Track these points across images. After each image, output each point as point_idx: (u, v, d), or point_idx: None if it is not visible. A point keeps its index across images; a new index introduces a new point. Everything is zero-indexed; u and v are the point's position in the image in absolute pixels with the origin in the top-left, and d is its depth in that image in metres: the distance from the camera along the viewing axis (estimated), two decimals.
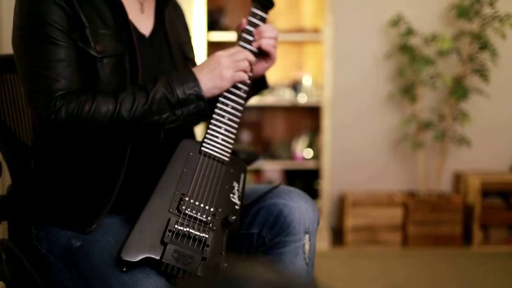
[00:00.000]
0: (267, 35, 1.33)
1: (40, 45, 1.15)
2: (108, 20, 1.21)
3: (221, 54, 1.25)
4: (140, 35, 1.28)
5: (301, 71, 3.47)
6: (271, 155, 3.43)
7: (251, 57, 1.29)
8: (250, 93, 1.39)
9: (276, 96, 3.36)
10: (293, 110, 3.54)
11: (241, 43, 1.33)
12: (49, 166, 1.25)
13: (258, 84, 1.42)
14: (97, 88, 1.17)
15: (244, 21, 1.35)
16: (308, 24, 3.47)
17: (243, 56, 1.27)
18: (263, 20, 1.35)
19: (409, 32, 3.23)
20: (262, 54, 1.35)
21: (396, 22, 3.26)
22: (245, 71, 1.27)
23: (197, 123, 1.38)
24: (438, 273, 2.87)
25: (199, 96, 1.19)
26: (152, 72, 1.25)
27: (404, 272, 2.89)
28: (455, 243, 3.27)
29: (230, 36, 3.26)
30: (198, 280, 0.67)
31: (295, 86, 3.38)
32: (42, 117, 1.13)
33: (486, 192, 3.27)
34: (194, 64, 1.48)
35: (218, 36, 3.27)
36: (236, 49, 1.29)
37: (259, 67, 1.37)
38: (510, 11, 3.17)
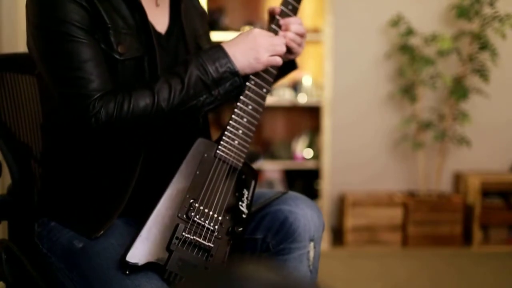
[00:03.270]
0: (293, 29, 1.27)
1: (66, 45, 1.10)
2: (128, 19, 1.17)
3: (259, 32, 1.20)
4: (157, 34, 1.24)
5: (301, 71, 3.47)
6: (271, 155, 3.42)
7: (285, 47, 1.24)
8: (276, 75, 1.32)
9: (276, 96, 3.36)
10: (293, 110, 3.53)
11: (273, 26, 1.27)
12: (61, 168, 1.22)
13: (287, 65, 1.35)
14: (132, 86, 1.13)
15: (277, 8, 1.29)
16: (308, 24, 3.47)
17: (280, 41, 1.22)
18: (295, 10, 1.30)
19: (409, 32, 3.23)
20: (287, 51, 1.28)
21: (396, 22, 3.26)
22: (281, 56, 1.22)
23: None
24: (438, 273, 2.87)
25: (234, 72, 1.15)
26: (169, 70, 1.21)
27: (404, 272, 2.89)
28: (455, 243, 3.27)
29: (230, 36, 3.25)
30: (197, 280, 0.67)
31: (295, 86, 3.38)
32: (81, 120, 1.09)
33: (486, 192, 3.27)
34: None
35: (218, 36, 3.27)
36: (274, 34, 1.23)
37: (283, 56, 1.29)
38: (510, 11, 3.17)
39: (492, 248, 3.24)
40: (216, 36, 3.23)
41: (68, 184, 1.21)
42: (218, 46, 1.18)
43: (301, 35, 1.30)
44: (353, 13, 3.41)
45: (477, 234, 3.26)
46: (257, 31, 1.20)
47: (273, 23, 1.28)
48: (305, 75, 3.40)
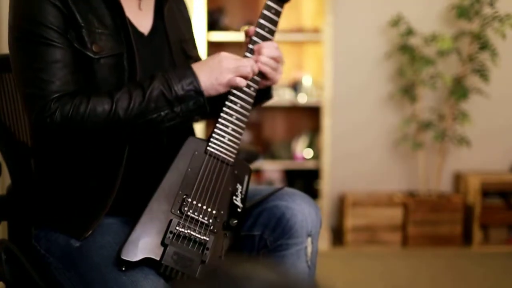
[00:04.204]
0: (266, 53, 1.26)
1: (35, 46, 1.12)
2: (106, 19, 1.18)
3: (225, 55, 1.20)
4: (139, 33, 1.26)
5: (301, 71, 3.47)
6: (271, 155, 3.42)
7: (256, 69, 1.23)
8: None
9: (276, 96, 3.34)
10: (293, 110, 3.53)
11: (246, 53, 1.27)
12: (48, 169, 1.24)
13: (262, 94, 1.35)
14: (94, 88, 1.15)
15: (252, 29, 1.29)
16: (308, 24, 3.47)
17: (248, 63, 1.21)
18: (278, 14, 1.29)
19: (409, 32, 3.23)
20: (261, 75, 1.28)
21: (396, 22, 3.26)
22: (245, 78, 1.21)
23: (198, 119, 1.36)
24: (438, 273, 2.87)
25: (198, 92, 1.15)
26: (151, 70, 1.23)
27: (404, 272, 2.89)
28: (455, 243, 3.27)
29: (230, 36, 3.26)
30: (198, 280, 0.67)
31: (295, 86, 3.38)
32: (37, 121, 1.12)
33: (486, 192, 3.27)
34: (197, 61, 1.45)
35: (218, 36, 3.27)
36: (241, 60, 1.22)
37: (259, 83, 1.29)
38: (510, 11, 3.17)
39: (492, 248, 3.24)
40: (216, 36, 3.25)
41: (56, 184, 1.22)
42: (187, 65, 1.19)
43: (277, 60, 1.28)
44: (353, 13, 3.41)
45: (477, 234, 3.26)
46: (223, 54, 1.20)
47: (247, 47, 1.27)
48: (305, 75, 3.40)
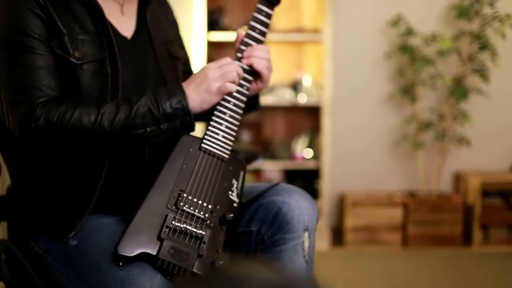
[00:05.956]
0: (257, 54, 1.29)
1: (18, 54, 1.14)
2: (87, 25, 1.19)
3: (209, 66, 1.22)
4: (122, 38, 1.26)
5: (301, 71, 3.47)
6: (271, 155, 3.43)
7: (240, 71, 1.26)
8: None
9: (276, 96, 3.36)
10: (293, 110, 3.54)
11: (238, 54, 1.30)
12: (30, 172, 1.25)
13: (250, 103, 1.36)
14: (78, 93, 1.17)
15: (241, 33, 1.32)
16: (308, 24, 3.47)
17: (232, 68, 1.23)
18: (269, 17, 1.31)
19: (409, 32, 3.23)
20: (254, 75, 1.31)
21: (396, 22, 3.26)
22: (233, 82, 1.23)
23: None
24: (438, 273, 2.87)
25: (186, 111, 1.17)
26: (135, 74, 1.25)
27: (404, 272, 2.89)
28: (455, 243, 3.27)
29: (230, 36, 3.26)
30: (197, 279, 0.67)
31: (295, 86, 3.38)
32: (22, 126, 1.13)
33: (486, 192, 3.27)
34: (185, 62, 1.46)
35: (218, 36, 3.27)
36: (225, 60, 1.25)
37: (250, 88, 1.31)
38: (510, 11, 3.17)
39: (492, 248, 3.24)
40: (216, 36, 3.25)
41: (36, 188, 1.23)
42: (177, 84, 1.20)
43: (267, 60, 1.31)
44: (353, 13, 3.41)
45: (477, 234, 3.26)
46: (208, 65, 1.22)
47: (239, 48, 1.30)
48: (305, 75, 3.40)
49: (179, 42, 1.46)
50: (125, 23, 1.29)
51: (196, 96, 1.19)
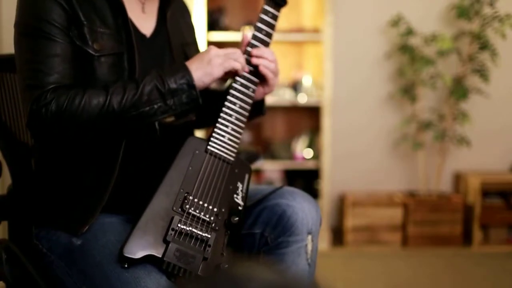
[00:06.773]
0: (266, 56, 1.29)
1: (36, 40, 1.16)
2: (108, 19, 1.21)
3: (213, 47, 1.24)
4: (141, 35, 1.28)
5: (301, 71, 3.47)
6: (271, 155, 3.43)
7: (244, 62, 1.26)
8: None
9: (276, 96, 3.35)
10: (293, 110, 3.54)
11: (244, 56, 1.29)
12: (46, 167, 1.25)
13: (255, 108, 1.38)
14: (93, 85, 1.17)
15: (246, 35, 1.32)
16: (308, 24, 3.47)
17: (236, 50, 1.25)
18: (275, 18, 1.32)
19: (409, 32, 3.23)
20: (260, 78, 1.31)
21: (396, 22, 3.26)
22: (236, 60, 1.24)
23: (193, 119, 1.36)
24: (438, 273, 2.88)
25: (191, 85, 1.18)
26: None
27: (404, 272, 2.89)
28: (455, 243, 3.27)
29: (230, 36, 3.26)
30: (199, 280, 0.67)
31: (295, 86, 3.38)
32: (32, 111, 1.14)
33: (486, 192, 3.27)
34: None
35: (218, 36, 3.27)
36: (230, 49, 1.26)
37: (256, 92, 1.33)
38: (510, 11, 3.17)
39: (492, 248, 3.24)
40: (216, 36, 3.25)
41: (53, 181, 1.23)
42: (181, 62, 1.22)
43: (274, 63, 1.32)
44: (353, 13, 3.41)
45: (477, 234, 3.26)
46: (212, 46, 1.24)
47: (245, 50, 1.30)
48: (305, 75, 3.40)
49: (195, 46, 1.48)
50: (145, 21, 1.31)
51: (198, 69, 1.20)
